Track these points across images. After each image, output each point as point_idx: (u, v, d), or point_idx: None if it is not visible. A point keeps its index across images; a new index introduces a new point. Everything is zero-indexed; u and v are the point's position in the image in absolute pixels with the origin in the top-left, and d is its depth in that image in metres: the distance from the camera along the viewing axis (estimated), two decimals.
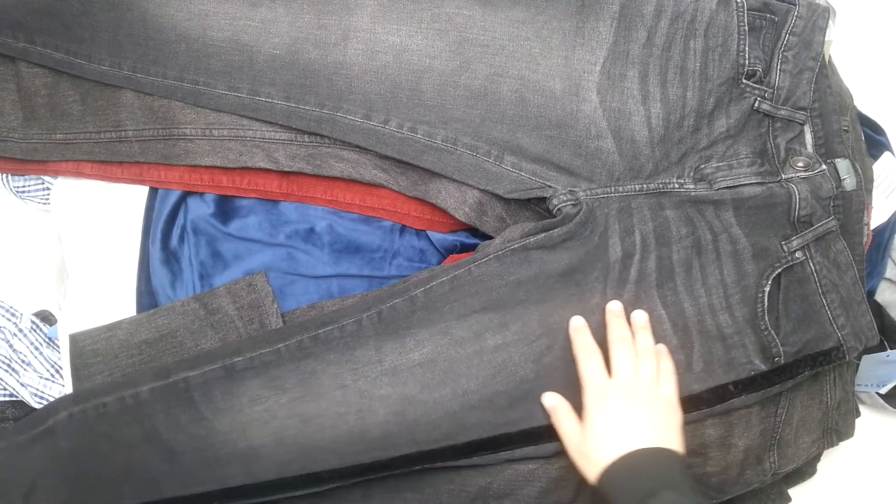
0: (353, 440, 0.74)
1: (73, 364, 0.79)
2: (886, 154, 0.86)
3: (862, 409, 0.88)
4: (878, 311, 0.89)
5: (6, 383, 0.83)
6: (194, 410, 0.75)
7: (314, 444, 0.74)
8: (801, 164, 0.75)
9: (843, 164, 0.76)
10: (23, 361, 0.83)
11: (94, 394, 0.77)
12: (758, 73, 0.75)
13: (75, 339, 0.80)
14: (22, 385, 0.82)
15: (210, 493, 0.76)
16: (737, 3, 0.74)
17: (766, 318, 0.73)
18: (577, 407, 0.73)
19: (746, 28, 0.74)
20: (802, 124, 0.76)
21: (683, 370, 0.73)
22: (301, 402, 0.75)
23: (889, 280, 0.90)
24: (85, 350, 0.80)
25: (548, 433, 0.74)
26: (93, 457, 0.77)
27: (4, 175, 0.87)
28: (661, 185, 0.75)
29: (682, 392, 0.73)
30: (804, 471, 0.85)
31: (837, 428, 0.81)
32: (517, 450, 0.74)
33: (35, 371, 0.83)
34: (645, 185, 0.75)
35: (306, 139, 0.80)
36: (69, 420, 0.77)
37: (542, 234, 0.73)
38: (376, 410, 0.74)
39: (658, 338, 0.73)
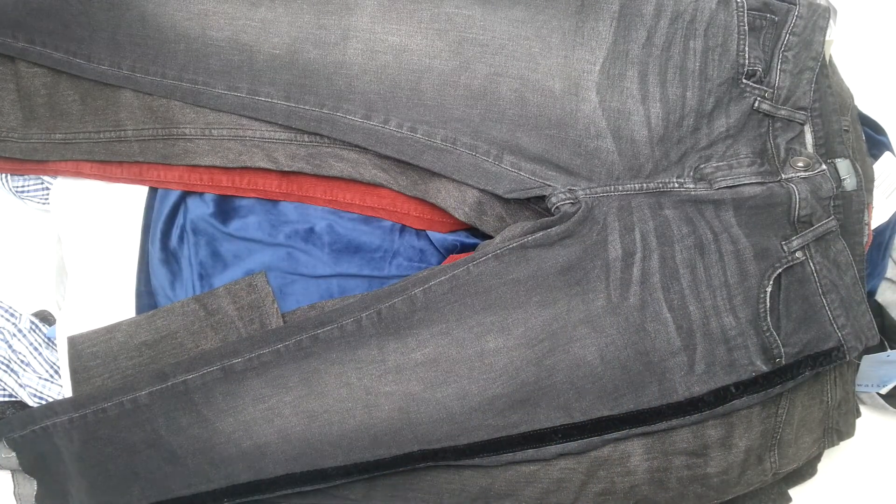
0: (360, 435, 0.75)
1: (72, 366, 0.80)
2: (887, 154, 0.86)
3: (862, 409, 0.88)
4: (879, 311, 0.89)
5: (5, 384, 0.83)
6: (195, 412, 0.76)
7: (321, 438, 0.75)
8: (801, 164, 0.75)
9: (843, 164, 0.76)
10: (22, 362, 0.83)
11: (92, 399, 0.77)
12: (758, 72, 0.75)
13: (73, 342, 0.80)
14: (21, 386, 0.82)
15: (218, 491, 0.77)
16: (737, 2, 0.74)
17: (768, 319, 0.73)
18: (582, 409, 0.74)
19: (746, 28, 0.74)
20: (802, 124, 0.76)
21: (685, 372, 0.73)
22: (306, 399, 0.75)
23: (890, 280, 0.90)
24: (84, 352, 0.80)
25: (549, 436, 0.74)
26: (98, 460, 0.78)
27: (4, 175, 0.87)
28: (660, 185, 0.75)
29: (683, 394, 0.73)
30: (804, 471, 0.85)
31: (838, 427, 0.81)
32: (518, 452, 0.74)
33: (34, 371, 0.83)
34: (644, 185, 0.75)
35: (306, 139, 0.80)
36: (70, 425, 0.78)
37: (541, 233, 0.73)
38: (382, 406, 0.74)
39: (662, 341, 0.73)
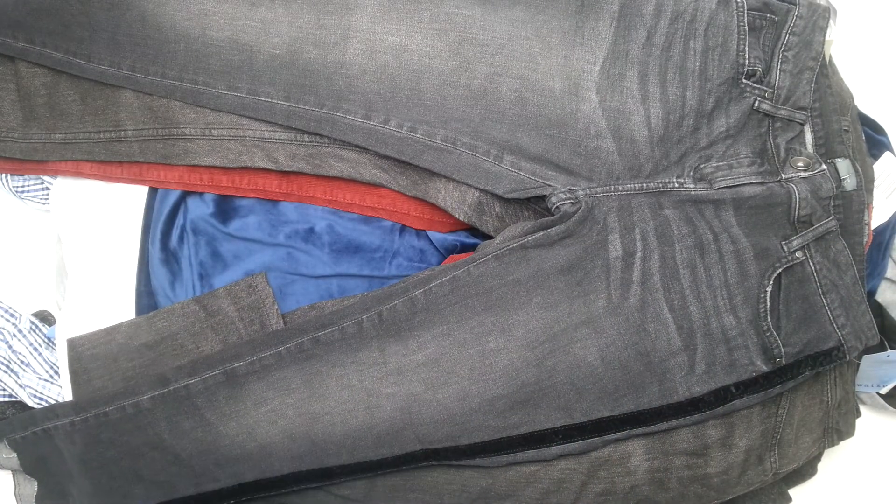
0: (363, 434, 0.75)
1: (71, 368, 0.80)
2: (887, 154, 0.86)
3: (862, 409, 0.88)
4: (879, 310, 0.89)
5: (5, 384, 0.83)
6: (198, 417, 0.76)
7: (325, 438, 0.75)
8: (801, 163, 0.75)
9: (843, 164, 0.76)
10: (22, 362, 0.83)
11: (93, 403, 0.77)
12: (758, 72, 0.75)
13: (73, 344, 0.80)
14: (21, 386, 0.82)
15: (224, 490, 0.77)
16: (737, 2, 0.74)
17: (769, 319, 0.73)
18: (582, 410, 0.73)
19: (746, 28, 0.74)
20: (802, 124, 0.76)
21: (686, 372, 0.73)
22: (308, 401, 0.75)
23: (890, 280, 0.90)
24: (84, 354, 0.80)
25: (549, 437, 0.74)
26: (101, 462, 0.78)
27: (4, 175, 0.87)
28: (660, 185, 0.75)
29: (683, 394, 0.73)
30: (804, 471, 0.85)
31: (838, 427, 0.81)
32: (519, 453, 0.74)
33: (34, 372, 0.83)
34: (645, 185, 0.75)
35: (306, 139, 0.80)
36: (71, 428, 0.78)
37: (541, 233, 0.73)
38: (384, 407, 0.75)
39: (662, 341, 0.73)
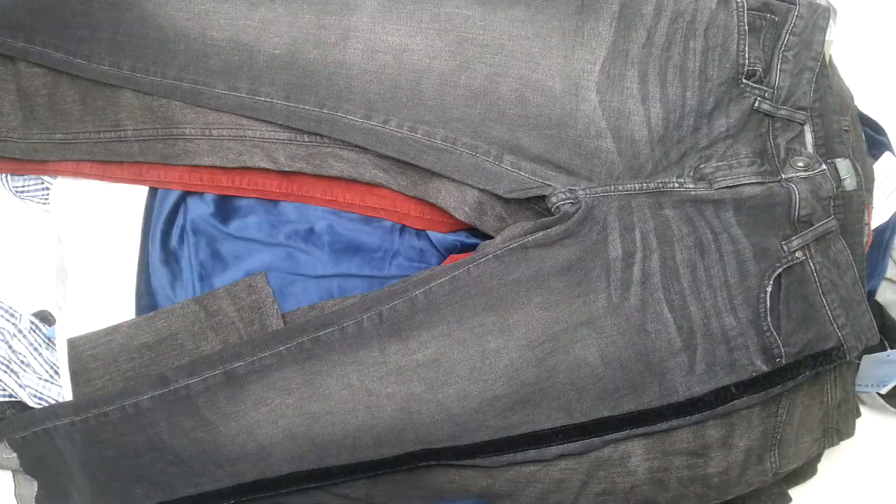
0: (363, 434, 0.75)
1: (71, 369, 0.80)
2: (887, 154, 0.86)
3: (862, 409, 0.88)
4: (879, 311, 0.89)
5: (5, 384, 0.83)
6: (198, 416, 0.76)
7: (325, 438, 0.75)
8: (801, 163, 0.75)
9: (843, 164, 0.76)
10: (22, 363, 0.83)
11: (94, 403, 0.78)
12: (758, 72, 0.75)
13: (73, 344, 0.80)
14: (21, 386, 0.82)
15: (224, 490, 0.77)
16: (737, 2, 0.74)
17: (769, 319, 0.73)
18: (582, 410, 0.73)
19: (746, 28, 0.74)
20: (802, 124, 0.76)
21: (686, 372, 0.73)
22: (308, 401, 0.76)
23: (890, 280, 0.90)
24: (84, 354, 0.80)
25: (549, 437, 0.74)
26: (101, 462, 0.78)
27: (4, 175, 0.87)
28: (660, 185, 0.75)
29: (683, 394, 0.73)
30: (804, 471, 0.85)
31: (838, 427, 0.81)
32: (519, 453, 0.74)
33: (34, 372, 0.83)
34: (645, 185, 0.75)
35: (306, 139, 0.80)
36: (72, 428, 0.78)
37: (541, 233, 0.74)
38: (384, 406, 0.75)
39: (663, 341, 0.73)
